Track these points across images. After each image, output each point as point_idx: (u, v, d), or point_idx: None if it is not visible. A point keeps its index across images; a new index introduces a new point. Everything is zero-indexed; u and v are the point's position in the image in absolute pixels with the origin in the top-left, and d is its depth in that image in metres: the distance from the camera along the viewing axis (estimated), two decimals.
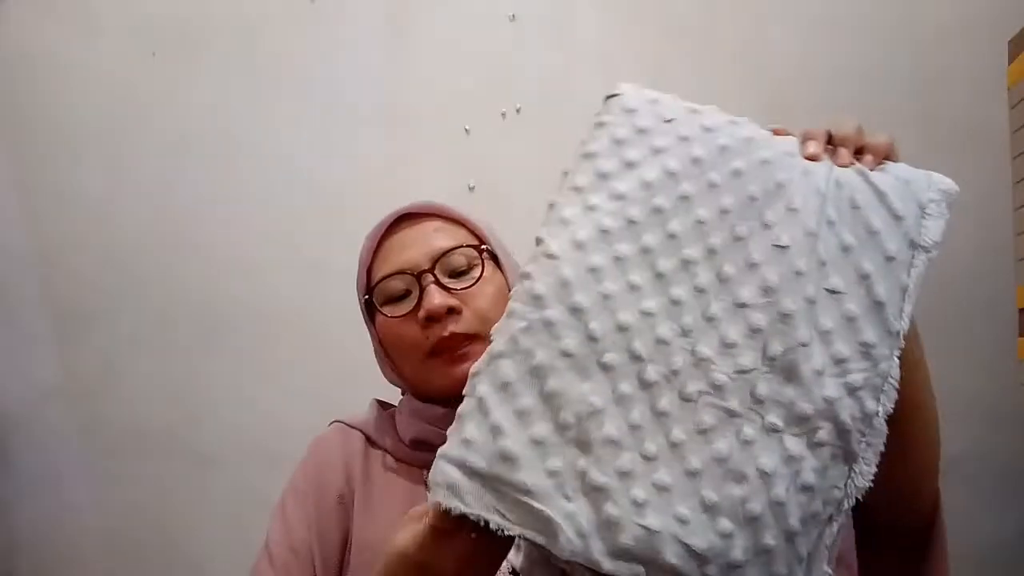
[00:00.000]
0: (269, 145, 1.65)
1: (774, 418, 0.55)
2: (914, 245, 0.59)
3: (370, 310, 0.85)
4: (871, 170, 0.62)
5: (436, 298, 0.78)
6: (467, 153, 1.62)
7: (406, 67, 1.64)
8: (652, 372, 0.56)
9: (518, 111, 1.63)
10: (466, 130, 1.63)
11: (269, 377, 1.62)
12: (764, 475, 0.53)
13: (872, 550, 0.75)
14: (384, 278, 0.82)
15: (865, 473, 0.56)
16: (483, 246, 0.84)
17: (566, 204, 0.62)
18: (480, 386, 0.57)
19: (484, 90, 1.63)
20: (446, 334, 0.78)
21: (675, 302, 0.57)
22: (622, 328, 0.56)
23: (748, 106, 1.64)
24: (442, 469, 0.56)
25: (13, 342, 1.66)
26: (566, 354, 0.56)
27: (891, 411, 0.57)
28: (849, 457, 0.55)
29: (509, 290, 0.83)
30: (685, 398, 0.55)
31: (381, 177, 1.62)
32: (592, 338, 0.56)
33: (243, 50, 1.66)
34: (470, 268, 0.82)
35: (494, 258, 0.84)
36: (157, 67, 1.67)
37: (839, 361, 0.56)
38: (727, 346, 0.56)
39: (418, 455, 0.83)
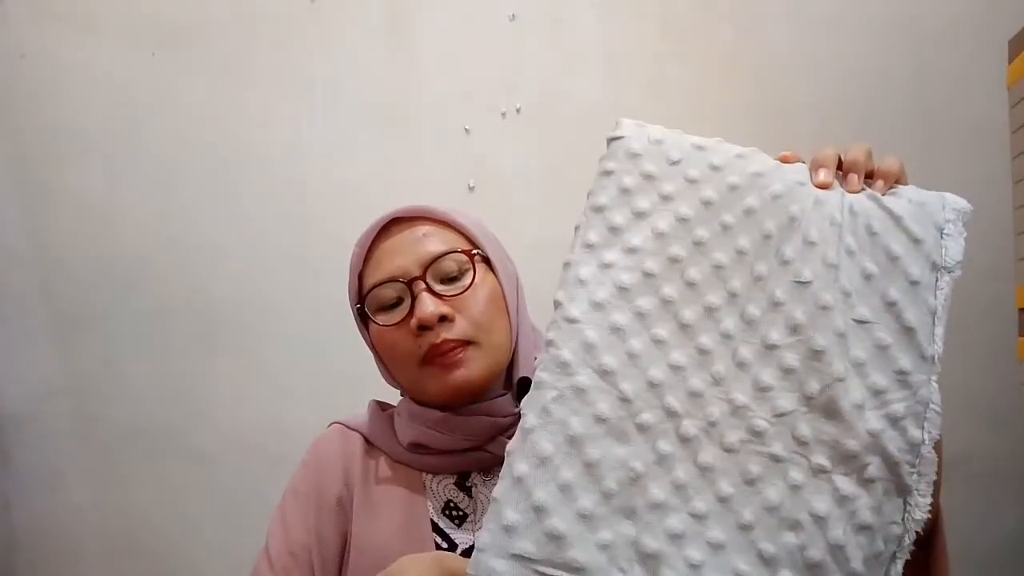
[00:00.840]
0: (269, 145, 1.65)
1: (821, 459, 0.54)
2: (937, 267, 0.59)
3: (363, 318, 0.85)
4: (883, 195, 0.61)
5: (428, 306, 0.78)
6: (467, 153, 1.62)
7: (406, 67, 1.64)
8: (690, 426, 0.55)
9: (518, 111, 1.63)
10: (466, 130, 1.63)
11: (269, 377, 1.62)
12: (819, 519, 0.52)
13: None
14: (375, 286, 0.82)
15: (921, 505, 0.55)
16: (474, 251, 0.83)
17: (581, 263, 0.60)
18: (517, 464, 0.55)
19: (484, 90, 1.63)
20: (438, 341, 0.78)
21: (703, 351, 0.56)
22: (653, 385, 0.56)
23: (748, 106, 1.65)
24: (485, 563, 0.54)
25: (13, 342, 1.66)
26: (601, 419, 0.55)
27: (937, 438, 0.57)
28: (903, 490, 0.55)
29: (503, 292, 0.83)
30: (727, 449, 0.55)
31: (381, 177, 1.62)
32: (625, 399, 0.55)
33: (243, 50, 1.66)
34: (462, 273, 0.81)
35: (486, 261, 0.84)
36: (156, 67, 1.67)
37: (877, 392, 0.56)
38: (762, 390, 0.56)
39: (416, 458, 0.83)
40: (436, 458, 0.83)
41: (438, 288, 0.80)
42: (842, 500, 0.53)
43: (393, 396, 0.94)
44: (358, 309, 0.85)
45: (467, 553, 0.78)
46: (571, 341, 0.57)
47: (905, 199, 0.60)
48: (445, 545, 0.78)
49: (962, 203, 0.61)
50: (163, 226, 1.65)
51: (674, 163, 0.63)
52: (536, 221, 1.51)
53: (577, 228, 0.62)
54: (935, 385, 0.58)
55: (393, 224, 0.84)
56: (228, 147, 1.65)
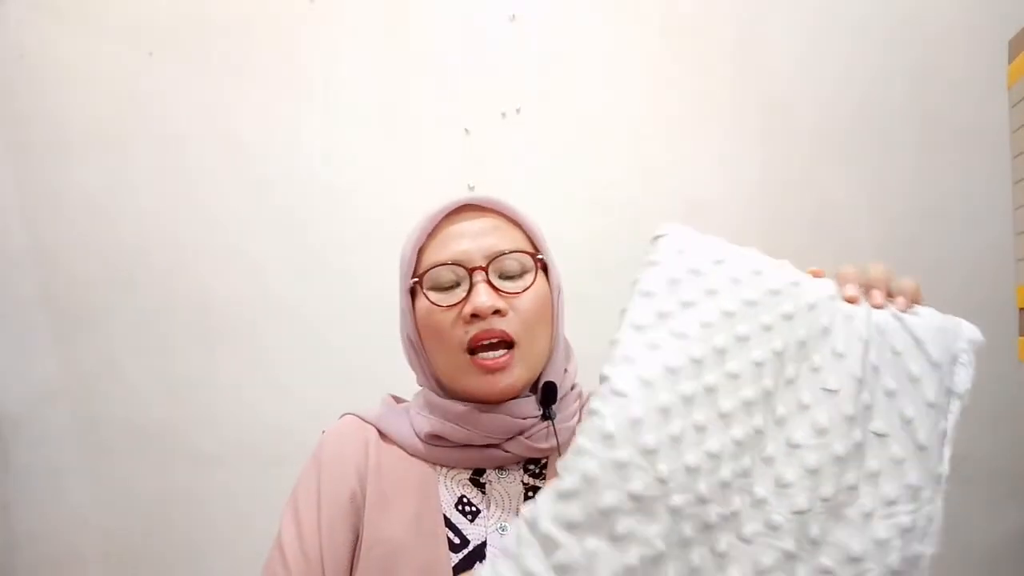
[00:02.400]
0: (269, 145, 1.65)
1: (826, 559, 0.57)
2: (950, 393, 0.62)
3: (412, 294, 0.85)
4: (904, 311, 0.65)
5: (484, 296, 0.79)
6: (467, 153, 1.62)
7: (406, 67, 1.64)
8: (713, 514, 0.57)
9: (518, 111, 1.63)
10: (466, 130, 1.63)
11: (269, 377, 1.62)
12: None
13: None
14: (437, 265, 0.82)
15: None
16: (538, 255, 0.84)
17: (628, 342, 0.62)
18: (543, 522, 0.57)
19: (484, 90, 1.63)
20: (487, 327, 0.79)
21: (737, 443, 0.59)
22: (690, 470, 0.58)
23: (748, 106, 1.65)
24: None
25: (13, 342, 1.66)
26: (635, 497, 0.56)
27: (934, 553, 0.59)
28: None
29: (551, 301, 0.84)
30: (743, 539, 0.57)
31: (381, 177, 1.63)
32: (661, 480, 0.57)
33: (243, 50, 1.66)
34: (522, 274, 0.82)
35: (544, 268, 0.85)
36: (156, 67, 1.67)
37: (889, 503, 0.59)
38: (783, 487, 0.58)
39: (431, 451, 0.83)
40: (452, 452, 0.83)
41: (497, 283, 0.81)
42: None
43: (399, 393, 0.94)
44: (413, 283, 0.84)
45: (479, 549, 0.78)
46: (618, 415, 0.58)
47: (926, 322, 0.64)
48: (457, 540, 0.79)
49: (975, 333, 0.65)
50: (163, 225, 1.65)
51: (718, 262, 0.66)
52: (536, 221, 1.50)
53: (624, 312, 0.65)
54: (941, 504, 0.61)
55: (464, 209, 0.85)
56: (228, 147, 1.65)
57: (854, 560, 0.57)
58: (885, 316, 0.64)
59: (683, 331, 0.62)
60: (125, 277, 1.65)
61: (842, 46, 1.57)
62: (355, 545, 0.81)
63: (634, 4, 1.62)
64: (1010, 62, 1.27)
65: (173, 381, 1.63)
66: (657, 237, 0.69)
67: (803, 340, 0.62)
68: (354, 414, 0.89)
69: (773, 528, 0.57)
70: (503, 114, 1.63)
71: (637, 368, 0.60)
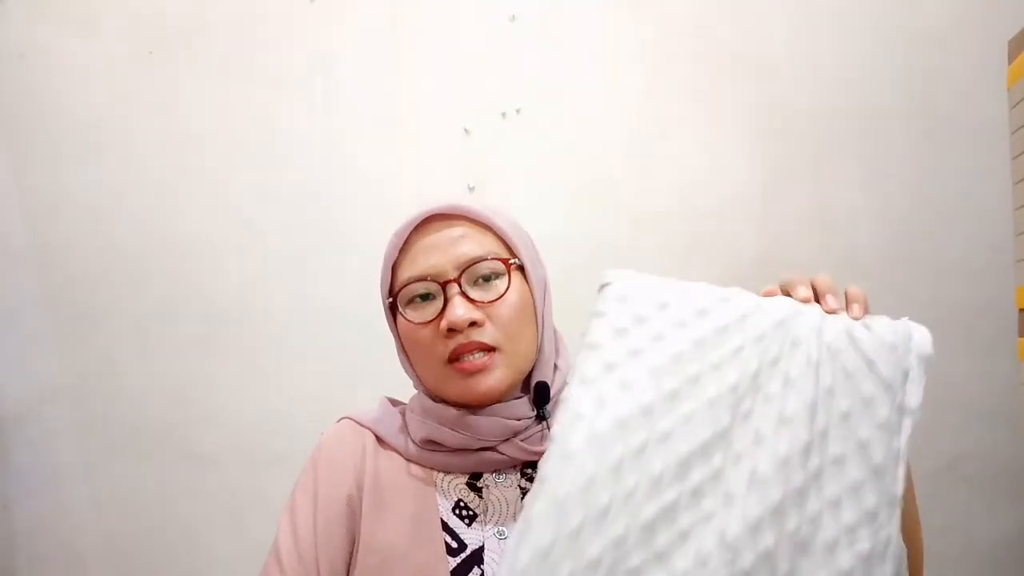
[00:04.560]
0: (268, 145, 1.65)
1: None
2: (902, 411, 0.62)
3: (393, 311, 0.85)
4: (857, 320, 0.65)
5: (459, 310, 0.78)
6: (467, 153, 1.63)
7: (406, 67, 1.64)
8: (680, 565, 0.57)
9: (518, 111, 1.63)
10: (466, 130, 1.63)
11: (268, 377, 1.62)
12: None
13: None
14: (409, 282, 0.82)
15: None
16: (511, 260, 0.83)
17: (576, 398, 0.62)
18: None
19: (484, 90, 1.63)
20: (466, 341, 0.79)
21: (695, 491, 0.58)
22: (647, 528, 0.57)
23: (748, 106, 1.65)
24: None
25: (13, 342, 1.66)
26: (593, 564, 0.56)
27: (895, 572, 0.58)
28: None
29: (533, 302, 0.83)
30: None
31: (381, 177, 1.63)
32: (618, 543, 0.56)
33: (243, 50, 1.66)
34: (496, 277, 0.81)
35: (520, 269, 0.84)
36: (156, 67, 1.67)
37: (849, 530, 0.58)
38: (751, 526, 0.57)
39: (428, 456, 0.83)
40: (448, 456, 0.83)
41: (472, 292, 0.80)
42: None
43: (401, 393, 0.94)
44: (389, 303, 0.85)
45: (476, 553, 0.78)
46: (569, 479, 0.58)
47: (877, 340, 0.64)
48: (455, 545, 0.78)
49: (926, 347, 0.64)
50: (163, 226, 1.65)
51: (663, 307, 0.66)
52: (536, 221, 1.50)
53: (572, 367, 0.65)
54: (897, 525, 0.59)
55: (432, 220, 0.83)
56: (228, 147, 1.66)
57: None
58: (838, 334, 0.64)
59: (631, 380, 0.62)
60: (125, 277, 1.65)
61: (842, 46, 1.57)
62: (351, 549, 0.81)
63: (634, 4, 1.63)
64: (1010, 62, 1.28)
65: (173, 381, 1.64)
66: (602, 286, 0.69)
67: (755, 372, 0.62)
68: (351, 418, 0.89)
69: (744, 572, 0.56)
70: (503, 114, 1.63)
71: (587, 424, 0.60)
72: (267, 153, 1.65)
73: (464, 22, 1.64)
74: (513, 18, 1.64)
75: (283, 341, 1.62)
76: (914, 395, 0.62)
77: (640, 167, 1.60)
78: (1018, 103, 1.24)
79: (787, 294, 0.70)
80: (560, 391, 0.85)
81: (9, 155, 1.68)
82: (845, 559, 0.57)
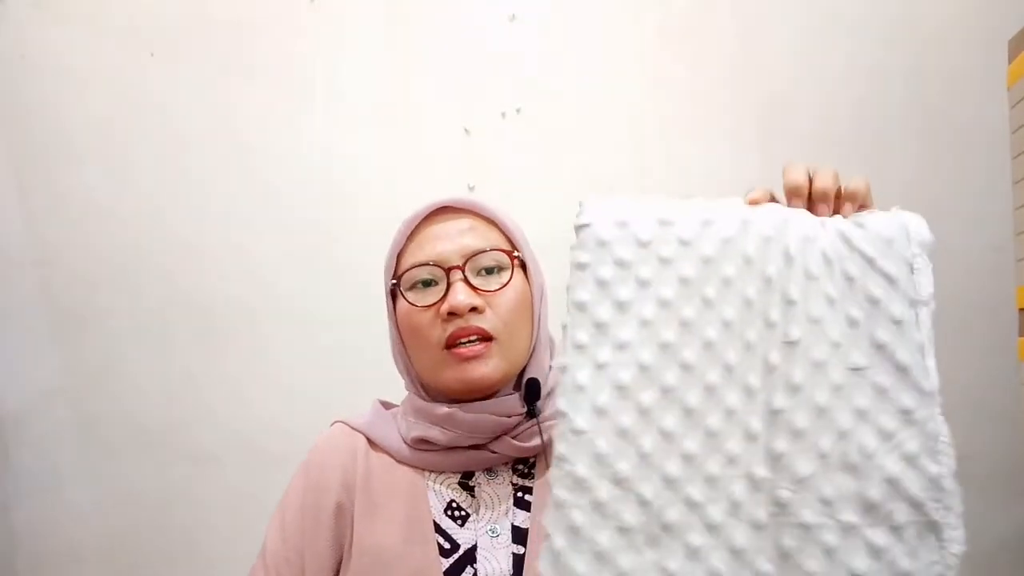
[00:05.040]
0: (269, 145, 1.65)
1: (848, 515, 0.55)
2: (914, 303, 0.60)
3: (394, 296, 0.86)
4: (848, 218, 0.63)
5: (461, 295, 0.79)
6: (467, 153, 1.62)
7: (406, 67, 1.64)
8: (715, 513, 0.56)
9: (518, 111, 1.63)
10: (466, 130, 1.63)
11: (268, 377, 1.62)
12: None
13: None
14: (414, 267, 0.83)
15: (956, 539, 0.56)
16: (515, 252, 0.85)
17: (576, 367, 0.59)
18: None
19: (484, 90, 1.63)
20: (465, 325, 0.79)
21: (712, 434, 0.57)
22: (670, 481, 0.56)
23: (748, 106, 1.65)
24: None
25: (13, 342, 1.66)
26: (626, 530, 0.55)
27: (954, 468, 0.57)
28: (934, 528, 0.55)
29: (532, 299, 0.84)
30: (757, 526, 0.55)
31: (381, 177, 1.63)
32: (645, 503, 0.56)
33: (243, 50, 1.66)
34: (499, 271, 0.83)
35: (523, 265, 0.85)
36: (156, 67, 1.67)
37: (887, 436, 0.56)
38: (777, 458, 0.56)
39: (419, 456, 0.83)
40: (439, 456, 0.83)
41: (474, 280, 0.81)
42: (878, 553, 0.54)
43: (395, 396, 0.94)
44: (392, 285, 0.85)
45: (469, 552, 0.78)
46: (583, 455, 0.57)
47: (873, 234, 0.61)
48: (447, 545, 0.79)
49: (924, 234, 0.62)
50: (163, 226, 1.65)
51: (644, 245, 0.61)
52: (536, 221, 1.50)
53: (564, 328, 0.61)
54: (941, 417, 0.59)
55: (441, 212, 0.85)
56: (228, 147, 1.65)
57: (873, 506, 0.55)
58: (832, 241, 0.61)
59: (626, 339, 0.59)
60: (125, 277, 1.65)
61: (842, 46, 1.57)
62: (339, 554, 0.81)
63: (633, 4, 1.63)
64: (1010, 62, 1.28)
65: (173, 381, 1.63)
66: (579, 227, 0.63)
67: (751, 299, 0.59)
68: (344, 422, 0.90)
69: (782, 505, 0.55)
70: (503, 114, 1.63)
71: (589, 396, 0.58)
72: (267, 153, 1.65)
73: (464, 22, 1.64)
74: (513, 18, 1.64)
75: (283, 341, 1.62)
76: (924, 284, 0.60)
77: (640, 167, 1.60)
78: (1018, 103, 1.24)
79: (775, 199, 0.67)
80: (553, 389, 0.86)
81: (9, 155, 1.68)
82: (890, 465, 0.55)
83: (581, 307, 0.61)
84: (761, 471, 0.56)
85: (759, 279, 0.60)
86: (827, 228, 0.61)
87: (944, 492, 0.56)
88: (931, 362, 0.59)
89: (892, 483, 0.55)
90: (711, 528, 0.56)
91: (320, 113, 1.65)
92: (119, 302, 1.65)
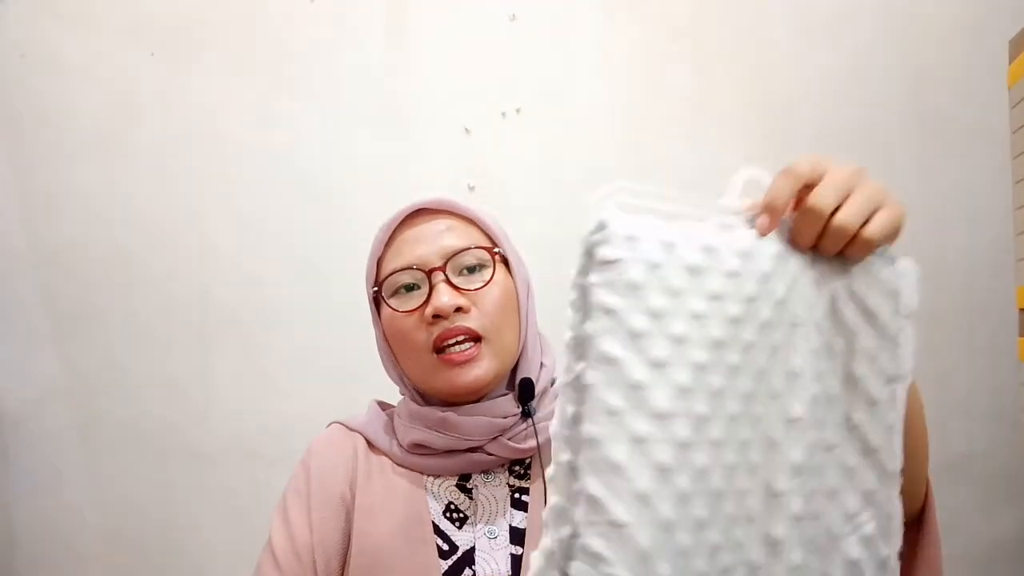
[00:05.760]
0: (269, 145, 1.65)
1: None
2: (892, 379, 0.56)
3: (377, 303, 0.85)
4: (842, 276, 0.56)
5: (445, 296, 0.79)
6: (467, 153, 1.63)
7: (406, 67, 1.64)
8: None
9: (518, 111, 1.63)
10: (466, 130, 1.63)
11: (268, 377, 1.62)
12: None
13: None
14: (395, 272, 0.82)
15: None
16: (496, 249, 0.84)
17: (611, 440, 0.49)
18: None
19: (484, 90, 1.63)
20: (451, 326, 0.79)
21: (731, 517, 0.53)
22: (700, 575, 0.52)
23: (748, 106, 1.65)
24: None
25: (13, 342, 1.66)
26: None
27: (900, 548, 0.57)
28: None
29: (517, 295, 0.83)
30: None
31: (381, 177, 1.63)
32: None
33: (243, 50, 1.66)
34: (481, 268, 0.82)
35: (504, 261, 0.84)
36: (156, 67, 1.67)
37: (850, 517, 0.55)
38: (773, 545, 0.54)
39: (417, 460, 0.83)
40: (436, 460, 0.83)
41: (456, 280, 0.80)
42: None
43: (393, 396, 0.94)
44: (374, 293, 0.84)
45: (468, 554, 0.78)
46: (624, 553, 0.49)
47: (860, 306, 0.56)
48: (446, 547, 0.78)
49: (914, 299, 0.56)
50: (163, 225, 1.65)
51: (676, 295, 0.52)
52: (536, 221, 1.51)
53: (577, 376, 0.51)
54: (897, 499, 0.57)
55: (417, 215, 0.85)
56: (228, 147, 1.66)
57: None
58: (824, 305, 0.55)
59: (664, 408, 0.51)
60: (125, 277, 1.65)
61: (842, 46, 1.57)
62: (347, 546, 0.81)
63: (634, 4, 1.63)
64: (1010, 62, 1.28)
65: (172, 381, 1.64)
66: (603, 258, 0.51)
67: (762, 368, 0.54)
68: (341, 423, 0.90)
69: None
70: (503, 114, 1.63)
71: (628, 480, 0.49)
72: (267, 153, 1.65)
73: (464, 22, 1.64)
74: (513, 18, 1.64)
75: (283, 341, 1.62)
76: (906, 358, 0.56)
77: (639, 167, 1.60)
78: (1018, 103, 1.24)
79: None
80: (547, 388, 0.85)
81: (9, 155, 1.68)
82: (852, 549, 0.55)
83: (612, 362, 0.51)
84: (757, 556, 0.54)
85: (768, 345, 0.54)
86: (821, 291, 0.55)
87: (887, 571, 0.56)
88: (898, 442, 0.56)
89: (853, 566, 0.55)
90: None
91: (320, 113, 1.65)
92: (119, 302, 1.65)
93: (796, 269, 0.55)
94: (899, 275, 0.56)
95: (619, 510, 0.49)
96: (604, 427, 0.49)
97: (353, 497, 0.82)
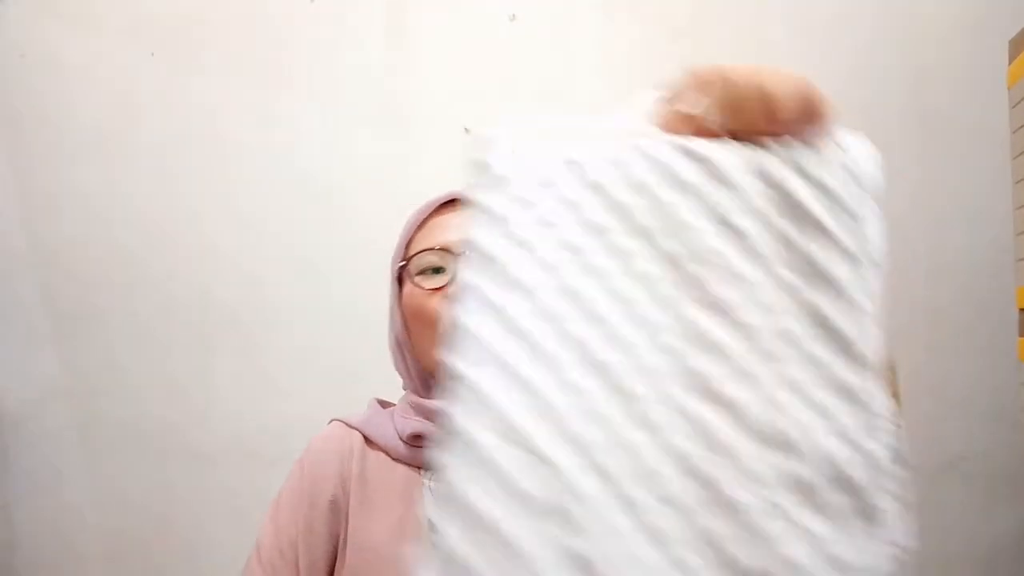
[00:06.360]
0: (269, 145, 1.65)
1: (781, 497, 0.47)
2: (856, 260, 0.50)
3: (400, 282, 0.86)
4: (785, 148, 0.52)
5: None
6: (467, 153, 1.62)
7: (406, 67, 1.64)
8: (633, 489, 0.46)
9: (518, 111, 1.63)
10: (466, 130, 1.63)
11: (268, 377, 1.62)
12: (794, 567, 0.45)
13: None
14: (424, 251, 0.83)
15: (900, 528, 0.48)
16: None
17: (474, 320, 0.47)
18: None
19: (484, 90, 1.63)
20: None
21: (629, 397, 0.47)
22: (582, 447, 0.45)
23: None
24: None
25: (13, 342, 1.66)
26: (525, 495, 0.44)
27: (895, 447, 0.50)
28: (873, 514, 0.48)
29: None
30: (679, 507, 0.46)
31: (381, 177, 1.63)
32: (553, 467, 0.45)
33: (243, 50, 1.66)
34: None
35: None
36: (156, 67, 1.67)
37: (823, 410, 0.49)
38: (703, 428, 0.48)
39: (415, 454, 0.83)
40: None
41: None
42: (815, 540, 0.47)
43: (393, 395, 0.94)
44: (400, 268, 0.85)
45: None
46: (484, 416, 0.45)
47: (815, 180, 0.51)
48: None
49: (874, 172, 0.51)
50: (163, 226, 1.65)
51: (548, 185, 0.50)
52: None
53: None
54: (882, 392, 0.51)
55: (452, 203, 0.87)
56: (228, 147, 1.66)
57: (808, 487, 0.46)
58: (763, 185, 0.51)
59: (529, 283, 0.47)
60: (125, 277, 1.65)
61: (841, 45, 1.57)
62: (334, 550, 0.81)
63: (634, 4, 1.63)
64: (1010, 62, 1.28)
65: (172, 381, 1.64)
66: (492, 176, 0.51)
67: (683, 257, 0.49)
68: (340, 420, 0.90)
69: (708, 484, 0.46)
70: (503, 114, 1.63)
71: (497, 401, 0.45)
72: (267, 153, 1.65)
73: (464, 22, 1.64)
74: (513, 18, 1.64)
75: (283, 341, 1.62)
76: (876, 238, 0.50)
77: None
78: (1018, 103, 1.24)
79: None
80: None
81: (9, 155, 1.68)
82: (829, 441, 0.47)
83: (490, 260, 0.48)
84: (683, 443, 0.47)
85: (675, 223, 0.50)
86: (761, 180, 0.51)
87: (885, 474, 0.48)
88: (875, 331, 0.49)
89: (830, 463, 0.47)
90: (629, 505, 0.46)
91: (319, 113, 1.65)
92: (119, 302, 1.65)
93: (728, 162, 0.50)
94: (853, 154, 0.52)
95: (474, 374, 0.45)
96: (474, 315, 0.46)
97: (347, 498, 0.82)
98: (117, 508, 1.63)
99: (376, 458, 0.85)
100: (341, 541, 0.81)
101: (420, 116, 1.64)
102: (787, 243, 0.50)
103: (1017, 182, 1.26)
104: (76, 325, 1.65)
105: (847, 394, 0.49)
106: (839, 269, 0.50)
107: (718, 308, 0.49)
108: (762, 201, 0.50)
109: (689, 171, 0.50)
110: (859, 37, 1.57)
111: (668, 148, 0.51)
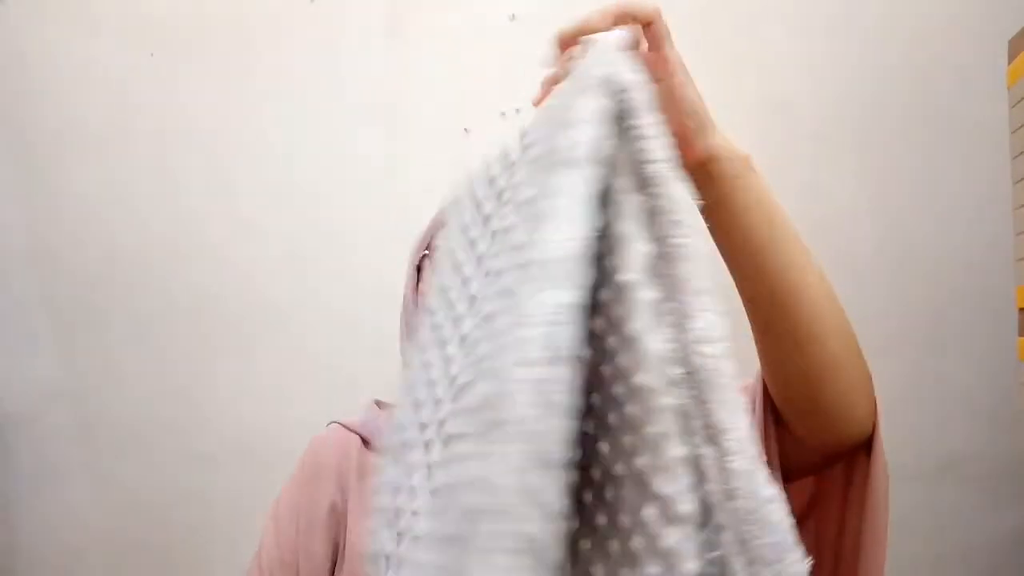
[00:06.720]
0: (268, 145, 1.65)
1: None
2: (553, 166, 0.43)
3: (420, 271, 0.85)
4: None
5: None
6: (467, 153, 1.62)
7: (406, 67, 1.64)
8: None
9: (518, 111, 1.62)
10: (466, 130, 1.63)
11: (269, 377, 1.62)
12: None
13: (816, 474, 0.76)
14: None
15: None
16: None
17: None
18: None
19: (484, 90, 1.63)
20: None
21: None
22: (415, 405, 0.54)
23: (748, 106, 1.64)
24: None
25: (13, 342, 1.66)
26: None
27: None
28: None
29: None
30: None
31: (381, 177, 1.62)
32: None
33: (242, 50, 1.66)
34: None
35: None
36: (156, 67, 1.67)
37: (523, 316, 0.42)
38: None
39: None
40: None
41: None
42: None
43: (392, 396, 0.94)
44: (422, 257, 0.85)
45: None
46: None
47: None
48: None
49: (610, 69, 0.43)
50: (163, 226, 1.65)
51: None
52: None
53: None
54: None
55: None
56: (228, 147, 1.65)
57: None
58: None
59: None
60: (125, 277, 1.65)
61: (841, 45, 1.57)
62: (333, 555, 0.81)
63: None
64: (1010, 62, 1.27)
65: (173, 382, 1.63)
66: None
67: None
68: (340, 423, 0.90)
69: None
70: (503, 114, 1.63)
71: None
72: (267, 153, 1.65)
73: (464, 22, 1.64)
74: (513, 18, 1.63)
75: (283, 341, 1.62)
76: (582, 139, 0.40)
77: None
78: (1018, 103, 1.24)
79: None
80: None
81: (9, 155, 1.68)
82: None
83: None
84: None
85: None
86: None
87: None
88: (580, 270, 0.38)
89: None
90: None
91: (319, 113, 1.65)
92: (119, 302, 1.65)
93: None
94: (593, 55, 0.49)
95: None
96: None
97: (345, 502, 0.82)
98: (117, 508, 1.63)
99: (374, 460, 0.85)
100: (340, 545, 0.81)
101: (420, 116, 1.63)
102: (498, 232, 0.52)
103: (1017, 182, 1.25)
104: (76, 325, 1.65)
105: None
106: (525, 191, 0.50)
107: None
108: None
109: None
110: (859, 37, 1.57)
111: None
